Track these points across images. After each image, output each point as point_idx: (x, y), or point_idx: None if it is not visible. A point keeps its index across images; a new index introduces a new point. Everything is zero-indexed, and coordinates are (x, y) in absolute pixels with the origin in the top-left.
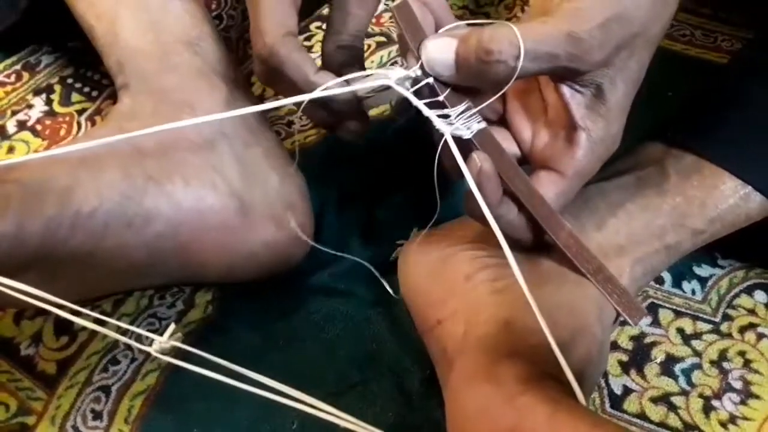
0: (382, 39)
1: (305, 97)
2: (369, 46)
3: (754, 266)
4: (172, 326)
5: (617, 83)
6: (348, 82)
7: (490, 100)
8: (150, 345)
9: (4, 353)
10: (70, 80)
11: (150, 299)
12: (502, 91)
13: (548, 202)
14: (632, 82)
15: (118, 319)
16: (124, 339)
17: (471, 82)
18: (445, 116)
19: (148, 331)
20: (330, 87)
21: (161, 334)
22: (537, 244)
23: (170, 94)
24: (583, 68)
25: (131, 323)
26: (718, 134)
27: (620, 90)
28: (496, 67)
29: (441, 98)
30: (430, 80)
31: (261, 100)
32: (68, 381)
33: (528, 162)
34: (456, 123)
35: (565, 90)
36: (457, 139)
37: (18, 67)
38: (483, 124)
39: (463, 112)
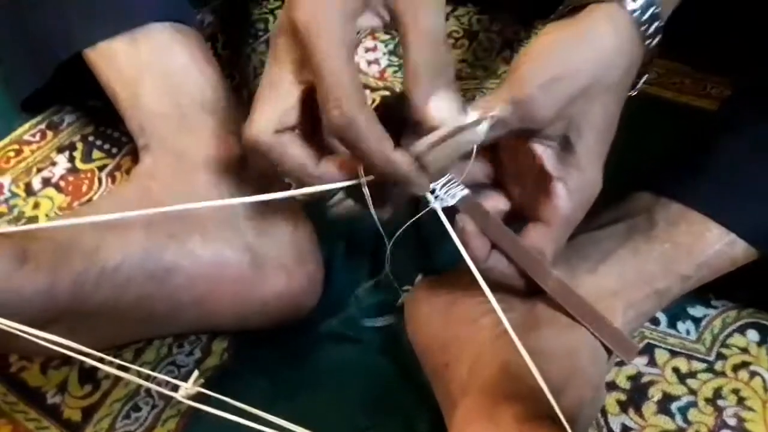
0: (386, 93)
1: (312, 190)
2: (374, 99)
3: (745, 306)
4: (196, 373)
5: (583, 132)
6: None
7: (466, 171)
8: (173, 390)
9: (32, 401)
10: (91, 138)
11: (169, 348)
12: (470, 161)
13: (534, 254)
14: (599, 128)
15: (140, 366)
16: (148, 384)
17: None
18: (432, 190)
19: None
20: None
21: (181, 381)
22: (532, 290)
23: (188, 154)
24: (535, 126)
25: (152, 371)
26: (703, 184)
27: (588, 138)
28: (456, 141)
29: None
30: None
31: None
32: (92, 428)
33: (521, 217)
34: (441, 194)
35: (536, 146)
36: (445, 207)
37: (42, 126)
38: (466, 191)
39: (446, 184)
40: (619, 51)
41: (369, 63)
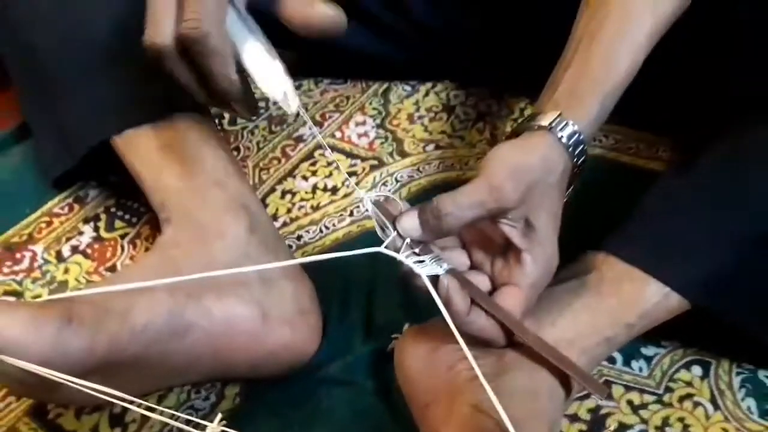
0: (375, 162)
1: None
2: (363, 168)
3: (691, 345)
4: (220, 415)
5: (540, 215)
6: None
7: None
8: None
9: None
10: (113, 209)
11: (188, 393)
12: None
13: (512, 313)
14: (551, 214)
15: (161, 413)
16: (177, 424)
17: (433, 235)
18: (420, 261)
19: (187, 421)
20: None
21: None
22: (508, 343)
23: (205, 226)
24: (506, 206)
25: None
26: (642, 244)
27: (543, 219)
28: (447, 220)
29: (417, 251)
30: (407, 240)
31: (274, 218)
32: None
33: (495, 288)
34: (430, 264)
35: (504, 227)
36: (432, 279)
37: (70, 200)
38: (448, 266)
39: (433, 258)
40: (556, 160)
41: (359, 136)
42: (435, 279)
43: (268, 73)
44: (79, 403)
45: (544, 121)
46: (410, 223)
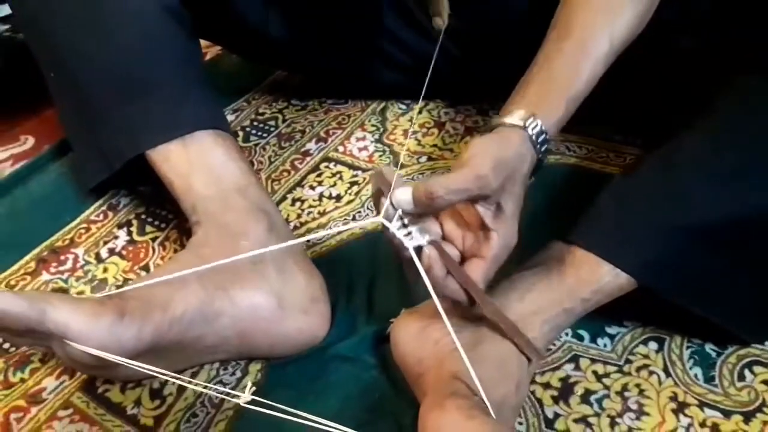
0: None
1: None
2: (364, 178)
3: (648, 325)
4: (250, 383)
5: (508, 201)
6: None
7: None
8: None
9: (116, 413)
10: (143, 216)
11: (217, 370)
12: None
13: (476, 282)
14: (517, 200)
15: (196, 386)
16: (211, 393)
17: (423, 211)
18: (409, 233)
19: (217, 393)
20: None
21: (227, 395)
22: (475, 310)
23: (230, 228)
24: (487, 193)
25: (205, 387)
26: (597, 232)
27: (511, 205)
28: (437, 201)
29: (407, 222)
30: (399, 212)
31: (286, 222)
32: (163, 430)
33: (464, 258)
34: (416, 235)
35: (479, 208)
36: (416, 247)
37: (104, 208)
38: (430, 237)
39: (419, 228)
40: (526, 154)
41: (360, 150)
42: (418, 248)
43: None
44: (126, 378)
45: (518, 120)
46: (404, 196)
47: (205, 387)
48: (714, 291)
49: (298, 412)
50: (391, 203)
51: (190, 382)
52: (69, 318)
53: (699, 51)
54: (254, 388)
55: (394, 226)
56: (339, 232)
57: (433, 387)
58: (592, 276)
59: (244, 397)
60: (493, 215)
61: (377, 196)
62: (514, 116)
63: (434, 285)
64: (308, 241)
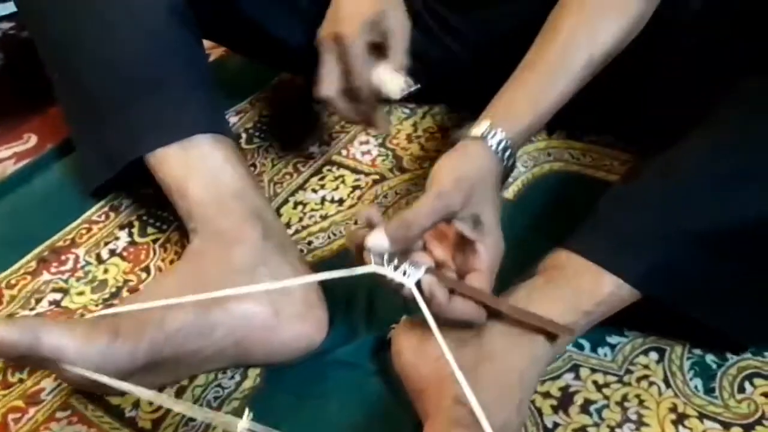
0: (377, 177)
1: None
2: (366, 183)
3: (650, 335)
4: (247, 411)
5: (485, 210)
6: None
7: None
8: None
9: (115, 415)
10: (145, 217)
11: (216, 375)
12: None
13: (484, 290)
14: (493, 208)
15: (193, 390)
16: (209, 396)
17: (401, 245)
18: (404, 272)
19: (214, 397)
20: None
21: (224, 400)
22: (487, 318)
23: (225, 234)
24: (454, 209)
25: (203, 392)
26: (600, 243)
27: (488, 215)
28: (410, 228)
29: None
30: (386, 256)
31: (288, 226)
32: None
33: (460, 277)
34: (409, 270)
35: (457, 224)
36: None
37: (106, 209)
38: (425, 265)
39: (410, 263)
40: (489, 164)
41: (363, 153)
42: (417, 282)
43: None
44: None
45: (477, 131)
46: (377, 239)
47: (205, 414)
48: (718, 298)
49: None
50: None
51: (192, 409)
52: (63, 342)
53: (700, 52)
54: (251, 414)
55: (388, 271)
56: (331, 278)
57: (434, 409)
58: (593, 287)
59: (242, 423)
60: (473, 228)
61: (359, 251)
62: (476, 128)
63: (439, 312)
64: (309, 243)
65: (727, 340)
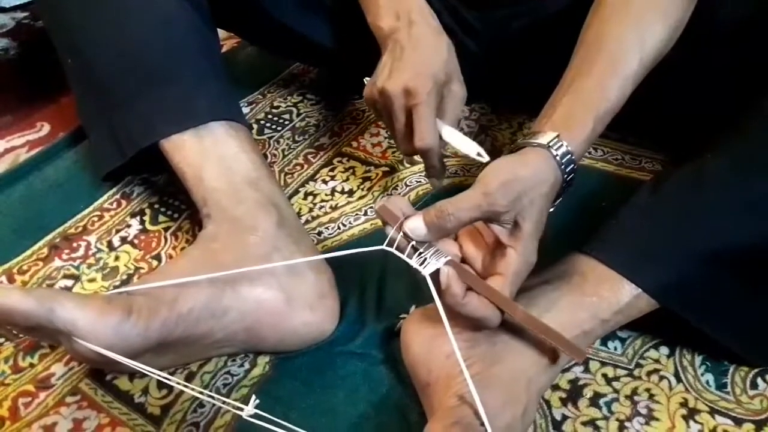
0: (387, 169)
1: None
2: (377, 174)
3: (660, 336)
4: (253, 398)
5: (526, 219)
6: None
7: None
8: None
9: (124, 400)
10: (156, 205)
11: (225, 361)
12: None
13: (501, 292)
14: (536, 219)
15: (201, 376)
16: (207, 399)
17: (437, 235)
18: (424, 259)
19: (223, 383)
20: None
21: (233, 387)
22: (500, 320)
23: (240, 221)
24: (497, 209)
25: (212, 378)
26: (620, 250)
27: (529, 224)
28: (448, 220)
29: (422, 249)
30: (413, 242)
31: (298, 216)
32: (169, 419)
33: (483, 278)
34: (430, 259)
35: (495, 227)
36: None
37: (118, 196)
38: (448, 257)
39: (434, 253)
40: (547, 173)
41: (373, 146)
42: (435, 272)
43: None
44: (134, 371)
45: (543, 140)
46: (417, 224)
47: (212, 398)
48: (736, 318)
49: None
50: (404, 233)
51: (201, 393)
52: (76, 316)
53: (730, 67)
54: (258, 401)
55: (408, 258)
56: (342, 254)
57: (439, 406)
58: (612, 296)
59: (247, 410)
60: (510, 233)
61: (391, 221)
62: (539, 137)
63: (453, 305)
64: (319, 234)
65: (740, 358)
